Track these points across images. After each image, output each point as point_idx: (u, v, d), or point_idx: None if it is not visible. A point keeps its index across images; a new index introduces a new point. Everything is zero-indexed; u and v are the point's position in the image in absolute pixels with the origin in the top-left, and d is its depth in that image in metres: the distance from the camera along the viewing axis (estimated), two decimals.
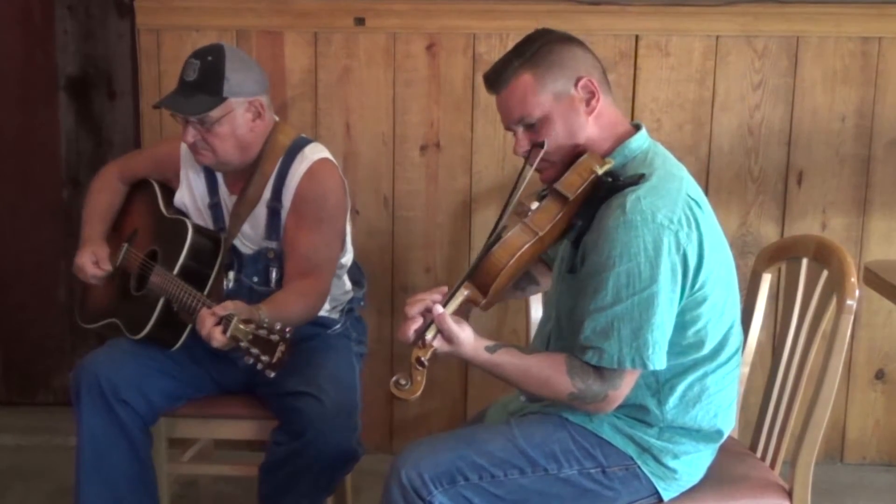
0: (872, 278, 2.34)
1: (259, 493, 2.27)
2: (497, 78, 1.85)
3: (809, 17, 2.88)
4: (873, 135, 2.95)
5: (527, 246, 1.77)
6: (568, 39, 1.87)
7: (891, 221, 3.00)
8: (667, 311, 1.75)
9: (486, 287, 1.77)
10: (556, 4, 2.82)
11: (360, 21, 2.93)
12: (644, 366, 1.74)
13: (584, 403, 1.78)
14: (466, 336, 1.74)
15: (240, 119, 2.28)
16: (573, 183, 1.79)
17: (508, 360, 1.77)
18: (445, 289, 1.79)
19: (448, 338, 1.72)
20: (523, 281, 2.17)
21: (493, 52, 2.93)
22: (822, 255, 2.01)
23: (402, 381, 1.71)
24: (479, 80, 2.94)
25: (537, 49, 1.83)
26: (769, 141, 2.97)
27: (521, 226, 1.79)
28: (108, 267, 2.43)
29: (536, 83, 1.81)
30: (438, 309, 1.72)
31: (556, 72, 1.82)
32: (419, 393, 1.71)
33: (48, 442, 3.25)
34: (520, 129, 1.86)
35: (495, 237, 1.78)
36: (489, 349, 1.77)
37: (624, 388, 1.77)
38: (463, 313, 1.84)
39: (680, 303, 1.77)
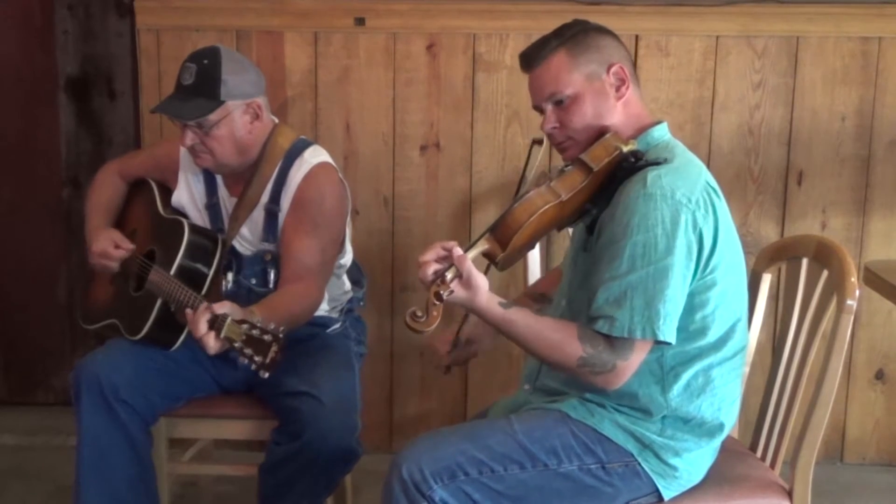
0: (872, 278, 2.34)
1: (259, 493, 2.27)
2: (534, 55, 1.91)
3: (809, 17, 2.88)
4: (873, 135, 2.95)
5: (548, 206, 1.79)
6: (604, 29, 1.95)
7: (891, 221, 3.00)
8: (679, 286, 1.77)
9: (506, 242, 1.78)
10: (556, 4, 2.82)
11: (360, 21, 2.93)
12: (654, 335, 1.75)
13: (593, 373, 1.78)
14: (484, 283, 1.75)
15: (238, 122, 2.28)
16: (599, 155, 1.83)
17: (521, 318, 1.79)
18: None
19: (466, 280, 1.72)
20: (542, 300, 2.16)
21: (493, 52, 2.93)
22: (823, 255, 2.00)
23: (419, 313, 1.70)
24: (480, 79, 2.98)
25: (575, 33, 1.89)
26: (769, 141, 2.96)
27: (545, 187, 1.81)
28: (129, 245, 2.41)
29: (571, 62, 1.87)
30: (458, 251, 1.73)
31: (591, 55, 1.88)
32: (433, 328, 1.70)
33: (48, 442, 3.24)
34: (549, 107, 1.90)
35: (518, 196, 1.79)
36: (503, 305, 1.78)
37: (633, 360, 1.78)
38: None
39: (692, 282, 1.79)
